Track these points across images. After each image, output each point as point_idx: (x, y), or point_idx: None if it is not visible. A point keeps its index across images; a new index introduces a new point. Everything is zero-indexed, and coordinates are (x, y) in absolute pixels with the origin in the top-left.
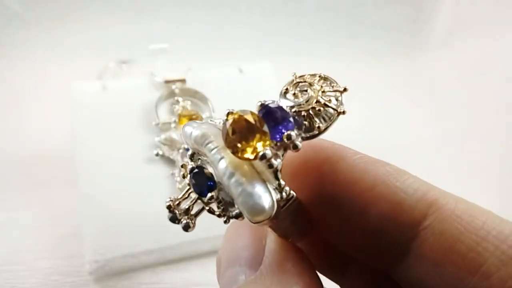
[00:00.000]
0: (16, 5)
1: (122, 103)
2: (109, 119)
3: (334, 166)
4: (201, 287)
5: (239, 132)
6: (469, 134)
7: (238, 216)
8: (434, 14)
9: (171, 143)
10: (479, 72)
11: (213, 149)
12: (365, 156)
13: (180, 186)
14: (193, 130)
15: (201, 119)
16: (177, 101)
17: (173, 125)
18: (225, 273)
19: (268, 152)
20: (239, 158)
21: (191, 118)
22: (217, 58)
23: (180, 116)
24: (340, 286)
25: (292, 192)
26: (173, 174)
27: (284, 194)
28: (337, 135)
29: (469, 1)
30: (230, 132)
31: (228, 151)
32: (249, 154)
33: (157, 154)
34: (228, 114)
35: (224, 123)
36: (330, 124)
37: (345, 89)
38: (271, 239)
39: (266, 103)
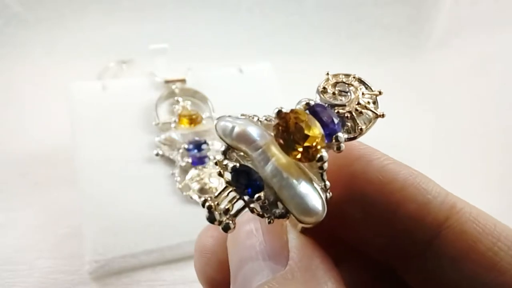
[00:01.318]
0: (16, 5)
1: (122, 103)
2: (109, 119)
3: (366, 166)
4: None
5: (290, 131)
6: (469, 134)
7: (284, 216)
8: (434, 14)
9: (171, 143)
10: (479, 72)
11: (258, 148)
12: (391, 158)
13: (180, 186)
14: (236, 126)
15: (201, 119)
16: (177, 101)
17: (173, 125)
18: (240, 271)
19: (325, 155)
20: (291, 156)
21: (191, 118)
22: (217, 58)
23: (180, 116)
24: None
25: (331, 192)
26: (173, 174)
27: (328, 195)
28: None
29: (469, 1)
30: (281, 130)
31: (275, 151)
32: (301, 155)
33: (157, 154)
34: (278, 112)
35: (277, 123)
36: (370, 127)
37: (380, 92)
38: (295, 234)
39: (312, 103)
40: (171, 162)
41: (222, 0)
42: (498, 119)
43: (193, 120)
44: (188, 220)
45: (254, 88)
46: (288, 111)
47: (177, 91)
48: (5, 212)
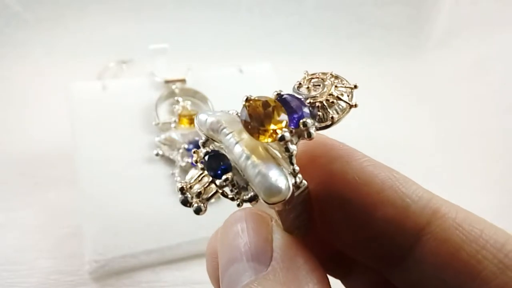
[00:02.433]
0: (16, 5)
1: (122, 103)
2: (109, 119)
3: (345, 166)
4: (201, 285)
5: (258, 115)
6: (469, 134)
7: (252, 199)
8: (434, 14)
9: (171, 143)
10: (479, 72)
11: (228, 133)
12: (372, 160)
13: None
14: (208, 117)
15: None
16: (177, 101)
17: (173, 125)
18: (226, 272)
19: (287, 135)
20: (258, 140)
21: (191, 118)
22: (217, 58)
23: (180, 116)
24: (344, 285)
25: (304, 180)
26: (173, 174)
27: (297, 179)
28: (336, 134)
29: (469, 1)
30: (249, 114)
31: (244, 136)
32: (267, 136)
33: (157, 154)
34: (246, 99)
35: (243, 106)
36: (343, 116)
37: (355, 86)
38: (279, 234)
39: (282, 92)
40: (171, 162)
41: (222, 0)
42: (497, 119)
43: (193, 120)
44: (188, 220)
45: (254, 88)
46: (257, 97)
47: (177, 91)
48: (5, 212)
